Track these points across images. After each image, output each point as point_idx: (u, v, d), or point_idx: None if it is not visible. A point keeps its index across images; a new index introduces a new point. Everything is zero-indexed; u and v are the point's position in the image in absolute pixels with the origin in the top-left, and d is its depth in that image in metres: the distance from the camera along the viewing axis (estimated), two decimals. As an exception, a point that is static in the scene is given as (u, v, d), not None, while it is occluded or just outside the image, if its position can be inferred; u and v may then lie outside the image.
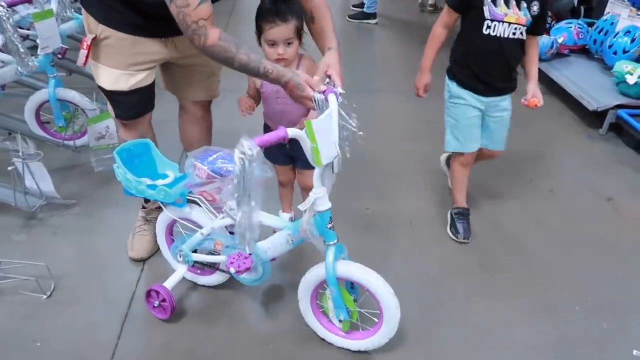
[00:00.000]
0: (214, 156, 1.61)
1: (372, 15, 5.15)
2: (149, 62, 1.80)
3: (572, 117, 3.47)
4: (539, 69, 3.77)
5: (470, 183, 2.40)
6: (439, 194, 2.59)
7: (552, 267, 2.18)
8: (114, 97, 1.83)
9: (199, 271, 1.92)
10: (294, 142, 1.51)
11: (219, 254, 1.78)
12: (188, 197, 1.76)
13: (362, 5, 5.21)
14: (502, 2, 1.96)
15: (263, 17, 1.69)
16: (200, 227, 1.77)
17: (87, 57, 1.74)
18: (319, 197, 1.50)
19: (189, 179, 1.67)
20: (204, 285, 1.95)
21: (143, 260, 2.07)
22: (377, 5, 5.13)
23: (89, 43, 1.70)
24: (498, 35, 2.01)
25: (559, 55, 3.88)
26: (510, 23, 1.98)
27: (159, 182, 1.78)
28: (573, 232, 2.41)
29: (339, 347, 1.74)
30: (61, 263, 2.00)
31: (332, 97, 1.50)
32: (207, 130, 2.17)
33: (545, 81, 3.78)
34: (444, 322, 1.88)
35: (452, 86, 2.18)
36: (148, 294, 1.81)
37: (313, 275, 1.67)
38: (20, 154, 2.04)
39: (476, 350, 1.79)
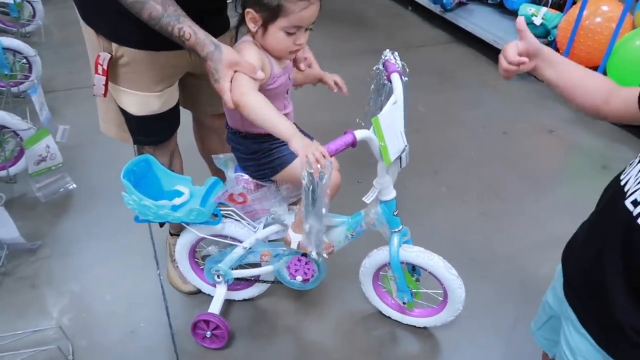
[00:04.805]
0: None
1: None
2: (174, 75, 1.50)
3: (487, 62, 3.71)
4: (445, 19, 3.99)
5: (436, 144, 2.43)
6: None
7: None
8: (144, 122, 1.50)
9: (239, 287, 1.76)
10: None
11: (261, 265, 1.65)
12: (221, 211, 1.58)
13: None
14: None
15: None
16: (238, 240, 1.61)
17: (106, 84, 1.35)
18: (385, 187, 1.43)
19: (229, 190, 1.51)
20: (242, 300, 1.80)
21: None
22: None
23: (105, 67, 1.31)
24: (629, 209, 0.85)
25: (459, 4, 4.08)
26: None
27: (177, 200, 1.56)
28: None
29: (405, 324, 1.75)
30: (61, 320, 1.70)
31: (395, 78, 1.36)
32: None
33: (452, 30, 4.00)
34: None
35: None
36: (195, 326, 1.62)
37: (374, 259, 1.63)
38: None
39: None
